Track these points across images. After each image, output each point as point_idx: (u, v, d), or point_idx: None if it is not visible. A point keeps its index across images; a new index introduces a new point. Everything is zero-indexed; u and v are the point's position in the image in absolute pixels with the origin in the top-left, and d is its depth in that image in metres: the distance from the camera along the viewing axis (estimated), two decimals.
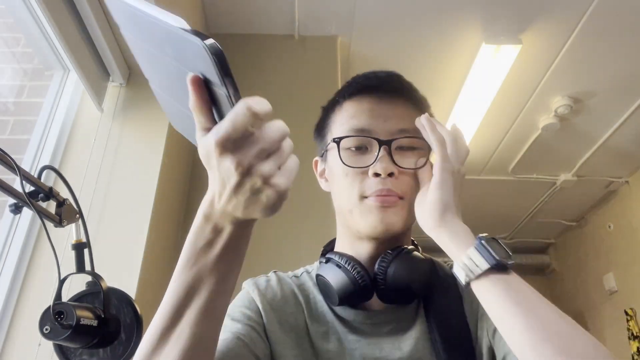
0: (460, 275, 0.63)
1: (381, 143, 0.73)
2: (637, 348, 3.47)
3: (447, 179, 0.69)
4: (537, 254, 4.75)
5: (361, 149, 0.75)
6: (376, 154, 0.72)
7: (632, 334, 3.53)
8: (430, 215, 0.68)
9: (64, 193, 0.94)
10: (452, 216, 0.68)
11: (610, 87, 2.63)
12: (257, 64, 2.23)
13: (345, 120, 0.77)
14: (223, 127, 0.41)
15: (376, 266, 0.72)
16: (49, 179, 1.29)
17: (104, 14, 1.52)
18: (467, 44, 2.35)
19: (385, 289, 0.72)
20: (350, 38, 2.31)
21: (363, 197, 0.72)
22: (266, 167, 0.43)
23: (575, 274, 4.40)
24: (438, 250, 0.76)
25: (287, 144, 0.45)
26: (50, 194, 0.89)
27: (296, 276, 0.82)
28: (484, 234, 0.65)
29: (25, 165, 1.45)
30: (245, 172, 0.42)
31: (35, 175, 0.88)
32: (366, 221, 0.72)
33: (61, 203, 0.92)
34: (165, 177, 1.63)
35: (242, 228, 0.48)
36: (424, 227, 0.69)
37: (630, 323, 3.56)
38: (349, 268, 0.72)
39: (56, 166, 1.46)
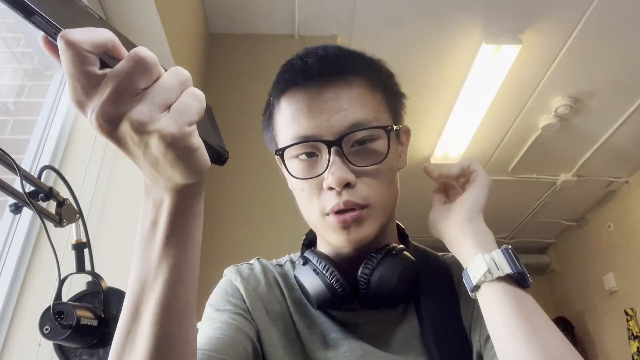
0: (475, 274, 0.59)
1: (330, 145, 0.63)
2: (637, 348, 3.47)
3: (488, 186, 0.67)
4: (537, 254, 4.75)
5: (311, 155, 0.65)
6: (327, 158, 0.63)
7: (632, 334, 3.52)
8: (464, 208, 0.65)
9: (64, 193, 0.94)
10: (482, 219, 0.65)
11: (610, 87, 2.63)
12: (257, 64, 2.23)
13: (285, 125, 0.67)
14: (67, 79, 0.34)
15: (359, 272, 0.66)
16: (49, 179, 1.28)
17: (104, 13, 1.52)
18: (467, 44, 2.35)
19: (368, 296, 0.66)
20: (350, 38, 2.31)
21: (324, 214, 0.65)
22: (137, 110, 0.35)
23: (575, 274, 4.40)
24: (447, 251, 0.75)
25: (168, 77, 0.36)
26: (50, 194, 0.89)
27: (280, 265, 0.77)
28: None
29: (25, 165, 1.45)
30: (107, 122, 0.35)
31: (35, 175, 0.88)
32: (334, 239, 0.66)
33: (61, 203, 0.92)
34: None
35: (182, 199, 0.41)
36: (450, 217, 0.66)
37: (630, 323, 3.56)
38: (326, 275, 0.65)
39: (56, 166, 1.46)
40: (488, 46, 2.29)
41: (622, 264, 3.72)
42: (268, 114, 0.72)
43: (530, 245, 4.62)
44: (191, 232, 0.43)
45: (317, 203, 0.65)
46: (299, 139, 0.65)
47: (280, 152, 0.67)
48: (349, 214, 0.63)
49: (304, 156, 0.66)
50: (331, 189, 0.63)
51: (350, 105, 0.65)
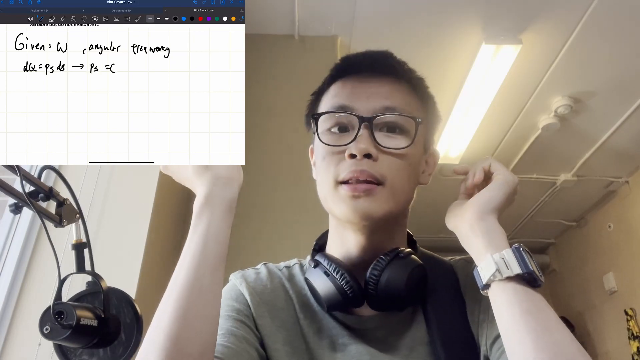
0: (484, 273, 0.59)
1: (361, 120, 0.67)
2: (637, 348, 3.47)
3: (507, 185, 0.65)
4: (537, 254, 4.75)
5: (342, 130, 0.69)
6: (356, 132, 0.66)
7: (632, 334, 3.52)
8: (476, 206, 0.64)
9: (64, 193, 0.94)
10: (495, 218, 0.64)
11: (610, 87, 2.63)
12: (257, 64, 2.23)
13: (328, 100, 0.72)
14: None
15: (368, 273, 0.67)
16: (49, 179, 1.28)
17: None
18: (467, 44, 2.35)
19: (377, 298, 0.66)
20: (350, 38, 2.31)
21: (337, 183, 0.66)
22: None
23: (575, 274, 4.40)
24: (449, 251, 0.75)
25: None
26: (50, 194, 0.89)
27: (288, 267, 0.77)
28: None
29: (25, 166, 1.45)
30: None
31: (35, 175, 0.88)
32: (340, 210, 0.66)
33: (61, 203, 0.92)
34: (165, 176, 1.63)
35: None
36: (462, 214, 0.65)
37: (630, 323, 3.56)
38: (337, 277, 0.66)
39: (56, 166, 1.46)
40: (488, 46, 2.29)
41: (622, 264, 3.72)
42: (315, 99, 0.77)
43: (530, 245, 4.58)
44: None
45: (333, 171, 0.67)
46: (336, 108, 0.69)
47: (317, 116, 0.71)
48: (362, 185, 0.65)
49: (335, 129, 0.69)
50: (352, 157, 0.65)
51: (392, 95, 0.70)
